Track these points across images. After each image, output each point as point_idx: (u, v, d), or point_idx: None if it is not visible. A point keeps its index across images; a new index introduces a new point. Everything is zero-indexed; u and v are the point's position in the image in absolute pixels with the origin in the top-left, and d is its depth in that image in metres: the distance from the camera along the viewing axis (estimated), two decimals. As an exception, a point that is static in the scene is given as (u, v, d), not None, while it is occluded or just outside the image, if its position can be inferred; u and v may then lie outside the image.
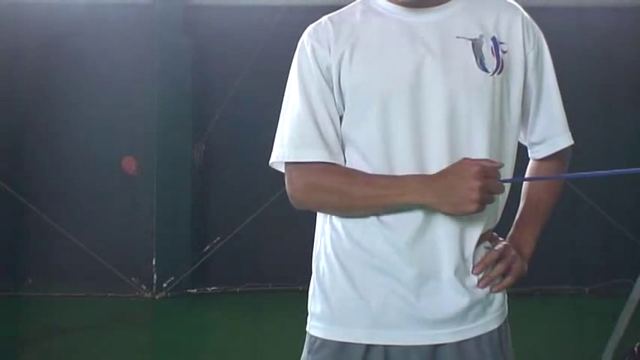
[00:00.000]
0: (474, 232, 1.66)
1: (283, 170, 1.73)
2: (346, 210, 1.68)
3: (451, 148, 1.61)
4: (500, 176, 1.58)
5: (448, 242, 1.63)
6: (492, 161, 1.58)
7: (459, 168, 1.56)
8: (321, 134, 1.66)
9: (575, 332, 5.11)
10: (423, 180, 1.59)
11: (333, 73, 1.67)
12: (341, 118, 1.69)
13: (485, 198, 1.55)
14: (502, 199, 1.71)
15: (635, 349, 3.60)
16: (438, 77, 1.62)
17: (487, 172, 1.55)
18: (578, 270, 6.00)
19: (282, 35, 5.45)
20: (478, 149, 1.63)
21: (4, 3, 6.03)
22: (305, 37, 1.72)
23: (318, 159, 1.66)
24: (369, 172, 1.64)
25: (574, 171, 1.81)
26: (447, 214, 1.58)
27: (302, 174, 1.69)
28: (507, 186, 1.72)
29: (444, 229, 1.63)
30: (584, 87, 5.70)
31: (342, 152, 1.68)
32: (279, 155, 1.70)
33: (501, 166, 1.59)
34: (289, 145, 1.68)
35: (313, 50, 1.68)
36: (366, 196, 1.63)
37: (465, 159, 1.57)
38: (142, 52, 5.97)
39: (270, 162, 1.73)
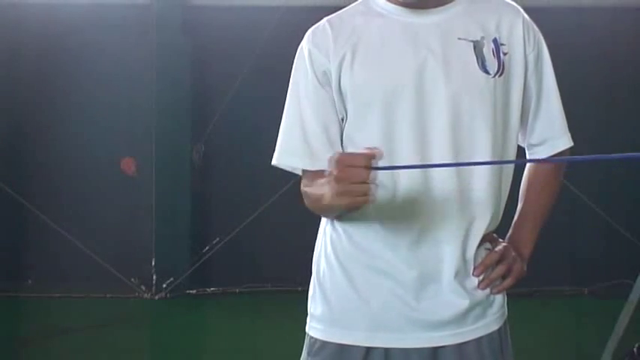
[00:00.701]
0: (478, 234, 1.66)
1: (293, 171, 1.75)
2: (321, 213, 1.71)
3: (455, 150, 1.61)
4: (370, 163, 1.44)
5: (451, 244, 1.63)
6: (368, 148, 1.46)
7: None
8: (306, 141, 1.67)
9: (574, 333, 5.11)
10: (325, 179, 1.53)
11: (333, 76, 1.66)
12: (343, 122, 1.69)
13: (347, 188, 1.43)
14: (502, 200, 1.71)
15: (635, 349, 3.60)
16: (440, 79, 1.61)
17: (342, 161, 1.44)
18: (577, 271, 5.99)
19: (281, 35, 5.45)
20: (481, 151, 1.63)
21: (3, 3, 6.03)
22: (303, 42, 1.72)
23: (302, 166, 1.69)
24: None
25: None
26: (344, 209, 1.53)
27: (303, 180, 1.72)
28: (506, 187, 1.72)
29: (447, 231, 1.62)
30: (583, 87, 5.70)
31: None
32: (274, 159, 1.74)
33: (377, 154, 1.44)
34: (277, 149, 1.73)
35: (310, 54, 1.68)
36: (315, 198, 1.62)
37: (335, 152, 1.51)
38: (141, 52, 5.97)
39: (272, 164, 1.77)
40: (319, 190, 1.57)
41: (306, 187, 1.70)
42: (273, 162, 1.74)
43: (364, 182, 1.42)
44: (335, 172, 1.44)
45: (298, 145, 1.68)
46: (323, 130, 1.67)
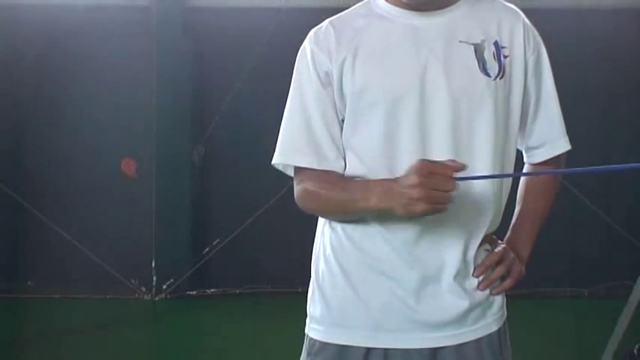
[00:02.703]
0: (479, 235, 1.66)
1: (285, 171, 1.75)
2: (327, 215, 1.71)
3: (455, 153, 1.61)
4: (452, 172, 1.49)
5: (452, 245, 1.63)
6: (453, 160, 1.52)
7: (408, 169, 1.52)
8: (312, 140, 1.67)
9: (574, 334, 5.11)
10: (384, 183, 1.57)
11: (335, 77, 1.66)
12: (343, 123, 1.69)
13: (432, 196, 1.47)
14: (503, 201, 1.72)
15: (635, 350, 3.60)
16: (442, 82, 1.62)
17: (432, 169, 1.48)
18: (577, 272, 6.00)
19: (281, 37, 5.47)
20: (482, 154, 1.63)
21: (3, 4, 6.03)
22: (306, 42, 1.72)
23: (308, 165, 1.68)
24: (370, 176, 1.64)
25: (572, 174, 1.81)
26: (403, 216, 1.53)
27: (300, 179, 1.71)
28: (507, 189, 1.72)
29: (448, 231, 1.63)
30: (582, 89, 5.71)
31: (339, 158, 1.68)
32: (275, 159, 1.73)
33: (462, 166, 1.50)
34: (279, 148, 1.72)
35: (312, 55, 1.68)
36: (341, 200, 1.64)
37: (420, 159, 1.52)
38: (142, 54, 5.97)
39: (272, 163, 1.76)
40: (359, 193, 1.59)
41: (313, 187, 1.68)
42: (275, 161, 1.73)
43: (448, 191, 1.47)
44: (419, 179, 1.46)
45: (304, 143, 1.68)
46: (327, 130, 1.67)
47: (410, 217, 1.54)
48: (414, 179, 1.47)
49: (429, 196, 1.47)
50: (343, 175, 1.68)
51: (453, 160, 1.51)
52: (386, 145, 1.63)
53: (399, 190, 1.50)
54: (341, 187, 1.65)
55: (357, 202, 1.60)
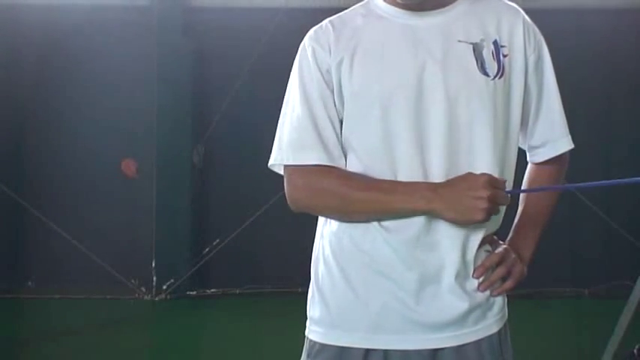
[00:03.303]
0: (478, 236, 1.65)
1: (282, 172, 1.72)
2: (346, 214, 1.67)
3: (453, 152, 1.61)
4: (505, 188, 1.62)
5: (451, 246, 1.63)
6: (500, 178, 1.62)
7: (468, 177, 1.58)
8: (320, 137, 1.66)
9: (575, 334, 5.11)
10: (430, 187, 1.59)
11: (334, 76, 1.66)
12: (341, 122, 1.68)
13: (492, 208, 1.57)
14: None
15: (635, 350, 3.59)
16: (439, 81, 1.61)
17: (495, 183, 1.58)
18: (578, 272, 6.00)
19: (281, 37, 5.47)
20: (482, 153, 1.63)
21: (3, 5, 6.03)
22: (306, 40, 1.71)
23: (318, 162, 1.65)
24: (370, 176, 1.64)
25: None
26: (451, 221, 1.59)
27: (303, 177, 1.67)
28: (508, 188, 1.72)
29: (447, 232, 1.62)
30: (583, 89, 5.71)
31: (342, 156, 1.67)
32: (278, 158, 1.70)
33: (506, 181, 1.64)
34: (288, 147, 1.68)
35: (314, 52, 1.68)
36: (368, 200, 1.61)
37: (472, 173, 1.60)
38: (142, 54, 5.98)
39: (270, 164, 1.73)
40: (398, 194, 1.59)
41: (329, 185, 1.64)
42: (273, 162, 1.70)
43: (504, 205, 1.63)
44: (490, 192, 1.56)
45: (314, 140, 1.65)
46: (332, 127, 1.67)
47: (464, 224, 1.61)
48: (483, 191, 1.56)
49: (491, 208, 1.57)
50: (353, 172, 1.66)
51: (501, 178, 1.63)
52: (384, 144, 1.62)
53: (462, 197, 1.56)
54: (366, 186, 1.62)
55: (390, 203, 1.60)
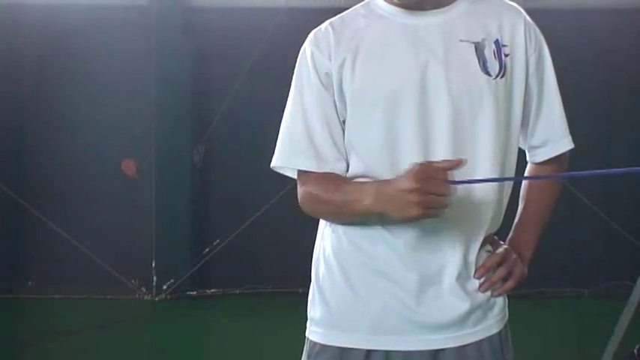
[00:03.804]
0: (479, 237, 1.65)
1: (285, 172, 1.74)
2: (329, 218, 1.71)
3: (457, 151, 1.60)
4: (449, 177, 1.49)
5: (453, 247, 1.63)
6: (448, 161, 1.51)
7: (405, 171, 1.52)
8: (312, 143, 1.66)
9: (575, 334, 5.11)
10: (375, 186, 1.57)
11: (334, 78, 1.66)
12: (344, 123, 1.68)
13: (427, 200, 1.46)
14: (504, 201, 1.71)
15: (635, 351, 3.59)
16: (442, 81, 1.61)
17: (426, 173, 1.48)
18: (577, 272, 6.00)
19: (281, 37, 5.47)
20: (484, 153, 1.62)
21: (3, 5, 6.03)
22: (306, 44, 1.71)
23: (308, 168, 1.67)
24: (372, 177, 1.63)
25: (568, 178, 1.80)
26: (397, 220, 1.53)
27: (302, 182, 1.71)
28: (508, 189, 1.72)
29: (448, 233, 1.62)
30: (583, 89, 5.70)
31: (341, 159, 1.67)
32: (277, 162, 1.72)
33: (459, 163, 1.50)
34: (279, 151, 1.71)
35: (312, 56, 1.68)
36: (338, 202, 1.64)
37: (415, 163, 1.52)
38: (141, 54, 5.97)
39: (271, 166, 1.75)
40: (353, 195, 1.59)
41: (314, 190, 1.67)
42: (274, 163, 1.72)
43: (443, 196, 1.47)
44: (415, 184, 1.46)
45: (304, 146, 1.67)
46: (328, 132, 1.67)
47: (406, 221, 1.53)
48: (409, 184, 1.47)
49: (425, 200, 1.47)
50: (344, 176, 1.68)
51: (449, 160, 1.51)
52: (387, 144, 1.62)
53: (394, 193, 1.50)
54: (338, 189, 1.64)
55: (353, 204, 1.60)
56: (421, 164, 1.50)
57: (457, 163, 1.49)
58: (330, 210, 1.68)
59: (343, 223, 1.69)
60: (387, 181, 1.55)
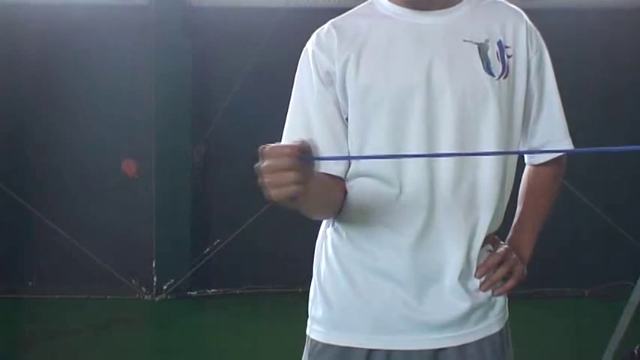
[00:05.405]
0: (481, 236, 1.66)
1: None
2: (314, 216, 1.72)
3: (462, 150, 1.61)
4: (297, 152, 1.38)
5: (454, 246, 1.63)
6: (298, 141, 1.42)
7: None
8: (312, 142, 1.66)
9: (575, 335, 5.11)
10: None
11: (337, 78, 1.66)
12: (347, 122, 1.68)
13: (275, 180, 1.36)
14: (505, 201, 1.71)
15: (635, 351, 3.59)
16: (446, 81, 1.62)
17: (271, 152, 1.37)
18: (577, 272, 5.99)
19: (281, 37, 5.46)
20: (486, 151, 1.63)
21: (3, 5, 6.03)
22: (308, 44, 1.72)
23: None
24: (376, 176, 1.63)
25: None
26: (272, 204, 1.43)
27: None
28: (509, 188, 1.72)
29: (450, 232, 1.62)
30: (583, 89, 5.70)
31: (340, 162, 1.67)
32: None
33: (307, 147, 1.41)
34: None
35: (313, 55, 1.68)
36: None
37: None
38: (141, 53, 5.97)
39: None
40: None
41: None
42: None
43: (289, 170, 1.36)
44: (262, 164, 1.36)
45: None
46: (329, 131, 1.66)
47: (277, 204, 1.42)
48: (259, 166, 1.37)
49: (272, 180, 1.35)
50: (341, 178, 1.67)
51: (299, 141, 1.42)
52: (392, 143, 1.62)
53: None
54: None
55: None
56: (269, 145, 1.39)
57: (306, 147, 1.40)
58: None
59: (338, 221, 1.70)
60: None
